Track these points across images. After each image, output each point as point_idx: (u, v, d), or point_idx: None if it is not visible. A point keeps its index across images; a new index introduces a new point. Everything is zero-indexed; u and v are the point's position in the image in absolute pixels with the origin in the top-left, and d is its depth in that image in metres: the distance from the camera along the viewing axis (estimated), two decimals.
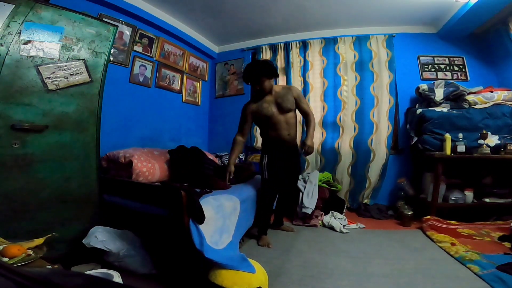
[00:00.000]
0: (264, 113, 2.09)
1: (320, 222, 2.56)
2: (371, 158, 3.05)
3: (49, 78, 1.54)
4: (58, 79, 1.58)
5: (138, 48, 2.76)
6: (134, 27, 2.68)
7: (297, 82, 3.36)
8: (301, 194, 2.62)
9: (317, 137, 3.21)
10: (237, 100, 3.61)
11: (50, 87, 1.56)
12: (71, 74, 1.63)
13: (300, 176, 2.80)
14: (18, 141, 1.44)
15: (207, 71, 3.87)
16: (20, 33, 1.43)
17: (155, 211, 1.62)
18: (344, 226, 2.45)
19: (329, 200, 2.76)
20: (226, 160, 3.29)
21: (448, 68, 3.13)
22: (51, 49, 1.55)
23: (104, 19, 2.16)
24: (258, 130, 2.86)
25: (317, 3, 2.76)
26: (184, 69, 3.39)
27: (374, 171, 3.04)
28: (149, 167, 2.17)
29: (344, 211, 2.79)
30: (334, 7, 2.84)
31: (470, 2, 2.47)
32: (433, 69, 3.14)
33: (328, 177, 2.97)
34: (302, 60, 3.35)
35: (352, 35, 3.24)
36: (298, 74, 3.37)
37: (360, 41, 3.19)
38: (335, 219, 2.50)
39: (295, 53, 3.38)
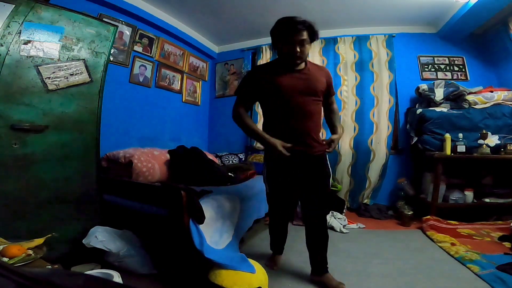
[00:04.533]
0: (284, 91, 1.40)
1: None
2: (371, 158, 3.04)
3: (49, 78, 1.54)
4: (58, 79, 1.58)
5: (138, 48, 2.76)
6: (134, 27, 2.68)
7: None
8: None
9: None
10: None
11: (50, 87, 1.56)
12: (71, 74, 1.63)
13: None
14: (18, 141, 1.44)
15: (207, 71, 3.86)
16: (20, 33, 1.43)
17: (155, 211, 1.62)
18: (344, 226, 2.45)
19: (330, 200, 2.75)
20: (226, 160, 3.28)
21: (448, 68, 3.13)
22: (51, 49, 1.55)
23: (104, 19, 2.16)
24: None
25: (317, 3, 2.76)
26: (184, 69, 3.39)
27: (374, 171, 3.04)
28: (149, 167, 2.18)
29: (344, 211, 2.79)
30: (334, 7, 2.84)
31: (470, 2, 2.47)
32: (433, 69, 3.14)
33: None
34: None
35: (352, 35, 3.24)
36: None
37: (360, 41, 3.19)
38: (335, 219, 2.50)
39: None
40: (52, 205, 1.56)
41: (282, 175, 1.50)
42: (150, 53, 2.89)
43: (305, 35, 1.35)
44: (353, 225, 2.52)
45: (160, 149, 2.48)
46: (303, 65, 1.46)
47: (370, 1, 2.68)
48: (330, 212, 2.63)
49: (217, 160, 3.09)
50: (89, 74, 1.71)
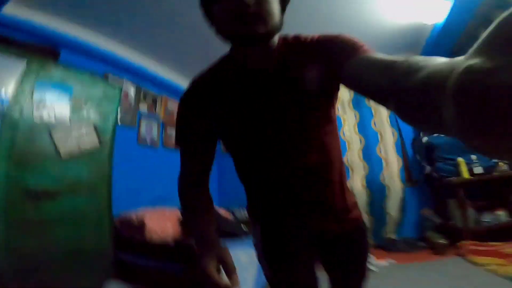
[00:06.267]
0: (240, 129, 0.70)
1: None
2: (386, 194, 2.93)
3: (61, 143, 1.59)
4: (69, 144, 1.62)
5: (143, 107, 2.87)
6: (138, 86, 2.83)
7: None
8: None
9: None
10: None
11: (62, 152, 1.59)
12: (81, 139, 1.69)
13: None
14: (33, 206, 1.42)
15: None
16: (32, 93, 1.49)
17: (169, 268, 1.56)
18: (371, 264, 2.23)
19: None
20: (239, 215, 3.14)
21: None
22: (62, 111, 1.61)
23: (110, 78, 2.31)
24: None
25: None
26: None
27: (392, 206, 2.90)
28: (161, 226, 2.12)
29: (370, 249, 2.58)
30: None
31: (437, 23, 2.58)
32: None
33: None
34: None
35: None
36: None
37: None
38: None
39: None
40: (66, 263, 1.49)
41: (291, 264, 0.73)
42: (155, 112, 3.01)
43: None
44: (383, 262, 2.28)
45: (171, 208, 2.42)
46: (276, 45, 0.67)
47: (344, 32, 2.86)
48: None
49: (229, 214, 2.97)
50: (98, 138, 1.76)
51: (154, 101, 3.05)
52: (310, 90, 0.66)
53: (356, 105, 3.30)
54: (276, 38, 0.66)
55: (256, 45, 0.62)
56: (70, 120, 1.64)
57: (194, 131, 0.73)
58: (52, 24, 2.09)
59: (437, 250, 2.38)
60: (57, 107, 1.59)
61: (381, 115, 3.15)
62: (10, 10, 1.79)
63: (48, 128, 1.55)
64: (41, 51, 1.83)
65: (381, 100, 0.44)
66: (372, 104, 3.22)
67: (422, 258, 2.35)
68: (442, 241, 2.38)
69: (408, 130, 3.20)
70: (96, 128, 1.76)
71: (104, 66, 2.56)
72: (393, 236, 2.88)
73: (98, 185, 1.72)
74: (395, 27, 2.80)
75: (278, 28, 0.62)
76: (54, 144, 1.56)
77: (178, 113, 0.75)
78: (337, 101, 0.73)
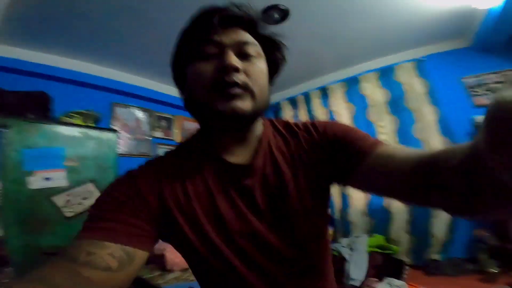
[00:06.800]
0: (209, 249, 0.48)
1: None
2: (432, 213, 2.52)
3: (64, 207, 1.53)
4: (72, 206, 1.55)
5: (158, 133, 2.78)
6: (149, 111, 2.72)
7: None
8: (346, 263, 2.24)
9: (361, 196, 2.80)
10: None
11: (67, 215, 1.53)
12: (83, 199, 1.61)
13: (345, 242, 2.42)
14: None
15: None
16: (21, 163, 1.44)
17: None
18: None
19: (383, 266, 2.30)
20: None
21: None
22: (58, 177, 1.55)
23: (117, 107, 2.22)
24: None
25: (327, 46, 2.58)
26: None
27: (439, 226, 2.49)
28: (181, 256, 2.12)
29: (406, 272, 2.26)
30: (345, 41, 2.58)
31: (492, 7, 2.09)
32: (486, 91, 2.64)
33: (380, 241, 2.52)
34: (326, 111, 3.09)
35: (375, 69, 2.93)
36: None
37: (386, 75, 2.85)
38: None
39: (317, 104, 3.14)
40: None
41: None
42: (171, 136, 2.90)
43: (243, 35, 0.51)
44: None
45: None
46: (256, 132, 0.55)
47: (380, 23, 2.37)
48: (385, 279, 2.14)
49: None
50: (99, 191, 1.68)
51: (169, 124, 2.91)
52: (306, 198, 0.51)
53: (394, 108, 2.79)
54: (260, 122, 0.56)
55: (237, 129, 0.50)
56: (68, 183, 1.60)
57: (137, 208, 0.46)
58: (42, 61, 2.02)
59: (487, 278, 2.05)
60: (53, 174, 1.55)
61: (425, 119, 2.63)
62: None
63: (48, 195, 1.51)
64: (31, 98, 1.72)
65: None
66: (413, 106, 2.70)
67: (467, 285, 2.04)
68: (494, 269, 2.05)
69: (461, 138, 2.62)
70: (97, 187, 1.66)
71: (110, 95, 2.47)
72: (437, 257, 2.50)
73: None
74: (439, 12, 2.29)
75: (265, 108, 0.51)
76: (58, 209, 1.52)
77: (119, 181, 0.50)
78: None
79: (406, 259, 2.50)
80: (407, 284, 2.08)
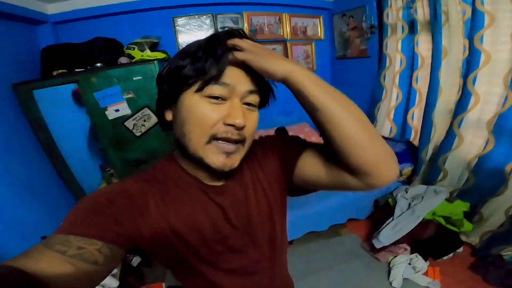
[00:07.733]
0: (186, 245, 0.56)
1: (389, 259, 1.93)
2: None
3: (133, 128, 2.03)
4: (139, 127, 2.03)
5: None
6: (212, 15, 2.54)
7: (455, 48, 1.89)
8: (390, 219, 1.95)
9: (476, 144, 1.92)
10: (360, 64, 2.80)
11: (137, 135, 2.05)
12: (144, 121, 2.03)
13: (414, 192, 2.07)
14: (134, 169, 2.15)
15: (321, 27, 3.04)
16: (97, 103, 1.92)
17: None
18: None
19: (429, 241, 1.91)
20: None
21: None
22: (123, 107, 1.97)
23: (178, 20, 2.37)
24: None
25: None
26: (285, 36, 2.89)
27: None
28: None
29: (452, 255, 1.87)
30: None
31: None
32: None
33: (454, 211, 1.85)
34: (469, 10, 1.77)
35: None
36: (460, 34, 1.85)
37: None
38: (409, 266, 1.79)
39: None
40: None
41: None
42: None
43: (251, 82, 0.52)
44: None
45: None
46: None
47: None
48: (415, 255, 1.86)
49: None
50: (155, 113, 2.01)
51: (236, 25, 2.67)
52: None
53: None
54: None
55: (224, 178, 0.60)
56: (131, 111, 1.99)
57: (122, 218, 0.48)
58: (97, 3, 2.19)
59: None
60: (119, 106, 1.96)
61: None
62: None
63: (122, 122, 2.00)
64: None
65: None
66: None
67: None
68: None
69: None
70: (151, 109, 2.02)
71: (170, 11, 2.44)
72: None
73: (169, 149, 2.14)
74: None
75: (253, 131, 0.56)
76: (130, 131, 2.04)
77: (111, 186, 0.53)
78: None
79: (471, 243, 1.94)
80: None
